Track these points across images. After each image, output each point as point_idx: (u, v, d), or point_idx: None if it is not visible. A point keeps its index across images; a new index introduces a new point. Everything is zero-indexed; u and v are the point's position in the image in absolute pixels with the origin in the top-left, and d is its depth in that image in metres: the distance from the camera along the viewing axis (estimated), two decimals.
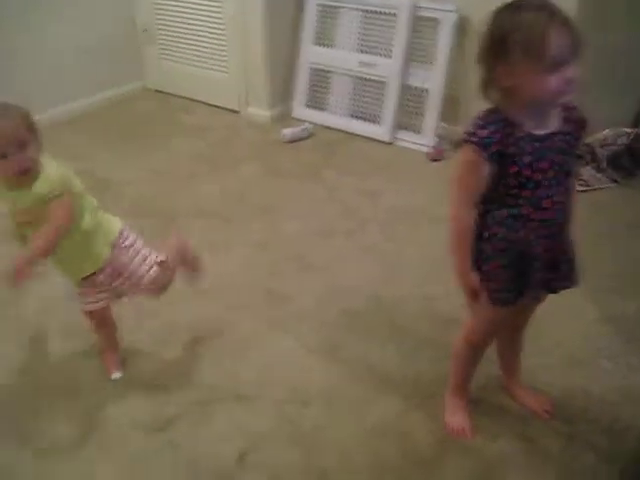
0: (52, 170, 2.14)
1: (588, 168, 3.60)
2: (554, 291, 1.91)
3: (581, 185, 3.44)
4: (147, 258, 2.30)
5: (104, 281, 2.26)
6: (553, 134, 1.67)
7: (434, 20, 3.87)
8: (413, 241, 3.13)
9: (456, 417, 2.17)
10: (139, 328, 2.64)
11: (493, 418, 2.20)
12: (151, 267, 2.29)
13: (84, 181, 3.68)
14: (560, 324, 2.54)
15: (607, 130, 3.66)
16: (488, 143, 1.64)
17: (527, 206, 1.72)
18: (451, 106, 3.97)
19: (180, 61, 4.83)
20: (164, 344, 2.57)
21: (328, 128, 4.28)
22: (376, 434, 2.15)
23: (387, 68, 4.05)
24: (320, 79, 4.38)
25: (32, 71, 4.35)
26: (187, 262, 2.52)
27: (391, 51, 4.03)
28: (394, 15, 3.97)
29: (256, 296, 2.81)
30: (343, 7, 4.19)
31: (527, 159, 1.65)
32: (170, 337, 2.61)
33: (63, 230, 2.11)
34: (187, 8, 4.59)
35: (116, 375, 2.44)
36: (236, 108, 4.58)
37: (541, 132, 1.66)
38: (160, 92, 5.00)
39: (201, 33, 4.60)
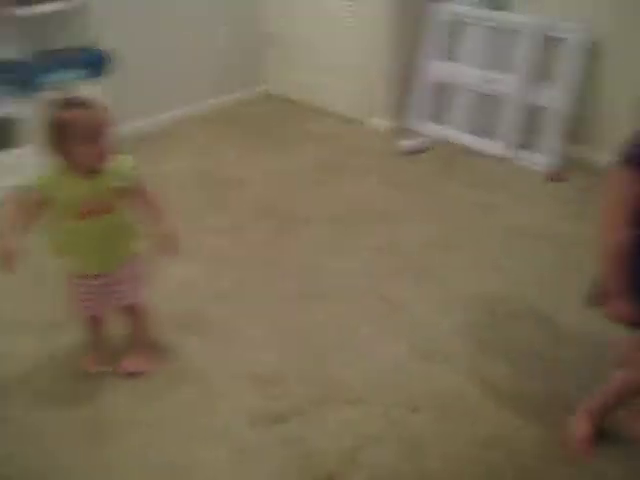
0: (124, 161, 2.28)
1: None
2: None
3: None
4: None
5: (122, 278, 2.36)
6: None
7: (561, 39, 3.85)
8: (528, 258, 3.12)
9: (584, 434, 2.12)
10: (260, 324, 2.73)
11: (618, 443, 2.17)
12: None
13: (209, 178, 3.86)
14: None
15: None
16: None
17: None
18: (574, 127, 3.93)
19: (306, 69, 4.93)
20: (283, 339, 2.65)
21: (447, 142, 4.30)
22: (486, 446, 2.16)
23: (510, 85, 4.04)
24: (442, 93, 4.40)
25: (164, 70, 4.55)
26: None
27: (515, 68, 4.02)
28: (521, 33, 3.96)
29: (373, 301, 2.86)
30: (469, 23, 4.21)
31: None
32: (290, 336, 2.68)
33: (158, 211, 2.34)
34: (317, 18, 4.69)
35: (97, 369, 2.52)
36: (360, 118, 4.64)
37: None
38: (285, 98, 5.11)
39: (329, 43, 4.68)
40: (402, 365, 2.51)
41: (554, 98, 3.91)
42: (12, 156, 3.69)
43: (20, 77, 3.66)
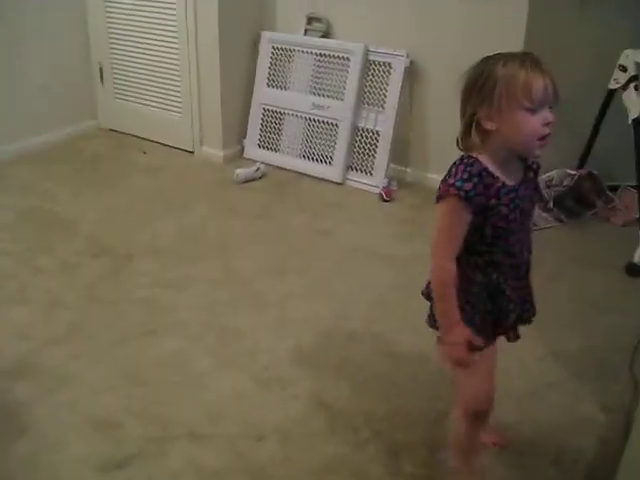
0: None
1: (535, 208, 3.70)
2: (526, 322, 1.91)
3: None
4: None
5: None
6: (520, 184, 1.73)
7: (386, 64, 3.98)
8: (364, 279, 3.18)
9: None
10: (96, 366, 2.64)
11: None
12: None
13: (36, 218, 3.72)
14: (509, 359, 2.60)
15: (554, 171, 3.78)
16: (471, 196, 1.66)
17: (499, 253, 1.76)
18: (401, 148, 4.07)
19: (135, 101, 4.87)
20: (121, 379, 2.57)
21: (280, 168, 4.35)
22: (331, 469, 2.17)
23: (339, 110, 4.14)
24: (273, 120, 4.45)
25: None
26: None
27: (343, 94, 4.12)
28: (347, 59, 4.07)
29: (210, 333, 2.83)
30: (297, 50, 4.28)
31: (505, 210, 1.70)
32: (127, 373, 2.60)
33: None
34: (142, 48, 4.65)
35: None
36: (190, 148, 4.62)
37: (512, 183, 1.71)
38: (114, 131, 5.02)
39: (156, 73, 4.65)
40: (243, 395, 2.49)
41: (381, 121, 4.03)
42: None
43: None
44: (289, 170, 4.32)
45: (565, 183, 3.78)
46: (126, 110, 4.93)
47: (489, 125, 1.66)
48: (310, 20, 4.30)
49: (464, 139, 1.72)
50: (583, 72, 3.59)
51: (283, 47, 4.35)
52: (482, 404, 1.93)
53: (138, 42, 4.66)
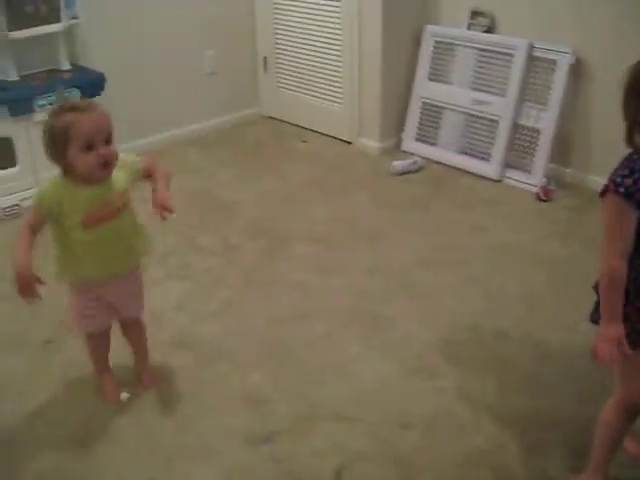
0: (124, 155, 2.20)
1: None
2: None
3: None
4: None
5: (128, 289, 2.34)
6: None
7: (550, 61, 3.90)
8: (516, 277, 3.14)
9: None
10: (250, 343, 2.76)
11: None
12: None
13: (200, 199, 3.89)
14: None
15: None
16: (632, 192, 1.63)
17: None
18: (562, 148, 3.98)
19: (296, 90, 4.98)
20: (273, 358, 2.67)
21: (437, 163, 4.34)
22: (473, 463, 2.18)
23: (500, 106, 4.09)
24: (432, 114, 4.44)
25: (156, 92, 4.61)
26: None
27: (505, 90, 4.06)
28: (510, 55, 4.01)
29: (361, 320, 2.89)
30: (460, 44, 4.26)
31: None
32: (275, 353, 2.70)
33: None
34: (306, 40, 4.75)
35: (125, 395, 2.48)
36: (348, 139, 4.68)
37: None
38: (274, 119, 5.16)
39: (318, 64, 4.74)
40: (390, 382, 2.53)
41: (543, 119, 3.95)
42: (7, 175, 3.72)
43: (14, 98, 3.69)
44: (446, 165, 4.31)
45: None
46: (287, 99, 5.06)
47: None
48: (474, 14, 4.26)
49: (629, 139, 1.68)
50: None
51: (446, 41, 4.33)
52: (636, 399, 1.89)
53: (302, 33, 4.76)
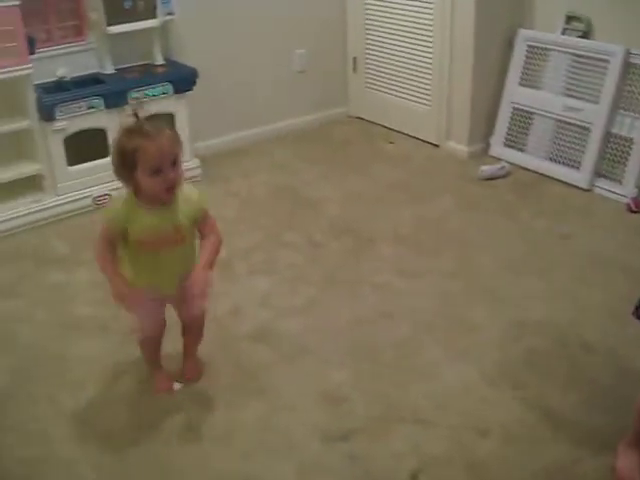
0: (191, 189, 2.26)
1: None
2: None
3: None
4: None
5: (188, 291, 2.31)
6: None
7: None
8: (603, 289, 3.08)
9: (628, 468, 2.11)
10: (331, 341, 2.79)
11: None
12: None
13: (287, 195, 3.95)
14: None
15: None
16: None
17: None
18: None
19: (385, 91, 4.99)
20: (354, 357, 2.69)
21: (525, 169, 4.28)
22: (550, 476, 2.16)
23: (592, 114, 4.01)
24: (522, 120, 4.39)
25: (246, 88, 4.68)
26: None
27: (598, 97, 3.99)
28: (606, 61, 3.93)
29: (443, 323, 2.88)
30: (553, 49, 4.20)
31: None
32: (360, 352, 2.72)
33: (220, 245, 2.30)
34: (396, 41, 4.75)
35: (177, 386, 2.54)
36: (436, 142, 4.67)
37: None
38: (362, 119, 5.18)
39: (408, 66, 4.73)
40: (470, 388, 2.52)
41: (637, 128, 3.86)
42: (99, 166, 3.84)
43: (111, 90, 3.80)
44: (534, 171, 4.25)
45: None
46: (375, 100, 5.07)
47: None
48: (569, 19, 4.19)
49: None
50: None
51: (539, 46, 4.27)
52: None
53: (393, 34, 4.76)
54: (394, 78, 4.88)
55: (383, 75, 4.96)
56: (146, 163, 2.06)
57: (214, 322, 2.80)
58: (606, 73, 3.95)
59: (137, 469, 2.22)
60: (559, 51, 4.17)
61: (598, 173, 4.04)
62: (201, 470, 2.21)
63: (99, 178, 3.84)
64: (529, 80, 4.34)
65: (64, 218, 3.77)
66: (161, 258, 2.23)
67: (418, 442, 2.28)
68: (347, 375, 2.59)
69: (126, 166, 2.09)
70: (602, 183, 4.01)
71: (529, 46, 4.31)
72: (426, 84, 4.63)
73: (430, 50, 4.51)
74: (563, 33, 4.20)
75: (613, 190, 3.95)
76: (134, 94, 3.83)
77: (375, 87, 5.06)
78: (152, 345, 2.49)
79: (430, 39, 4.48)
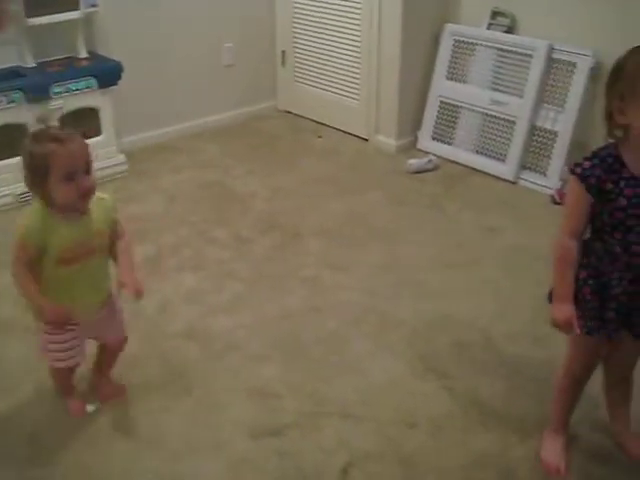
0: (100, 193, 2.15)
1: None
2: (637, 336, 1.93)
3: None
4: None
5: (105, 318, 2.27)
6: None
7: (570, 63, 3.88)
8: (528, 280, 3.12)
9: (552, 454, 2.16)
10: (259, 337, 2.76)
11: (593, 460, 2.19)
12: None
13: (215, 191, 3.90)
14: None
15: None
16: (587, 175, 1.72)
17: (617, 246, 1.78)
18: (579, 151, 3.95)
19: (314, 85, 4.98)
20: (282, 353, 2.68)
21: (453, 162, 4.32)
22: (480, 465, 2.18)
23: (518, 107, 4.07)
24: (449, 113, 4.43)
25: (173, 83, 4.61)
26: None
27: (523, 91, 4.05)
28: (530, 56, 3.99)
29: (371, 317, 2.88)
30: (479, 44, 4.24)
31: (623, 202, 1.71)
32: (288, 347, 2.71)
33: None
34: (325, 34, 4.74)
35: (91, 408, 2.40)
36: (365, 135, 4.67)
37: None
38: (291, 113, 5.15)
39: (336, 59, 4.73)
40: (398, 382, 2.52)
41: (560, 121, 3.93)
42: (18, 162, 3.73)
43: (31, 84, 3.70)
44: (461, 164, 4.29)
45: None
46: (304, 93, 5.05)
47: (621, 119, 1.69)
48: (495, 14, 4.24)
49: (608, 129, 1.78)
50: None
51: (465, 40, 4.31)
52: (575, 370, 2.07)
53: (321, 28, 4.74)
54: (323, 72, 4.87)
55: (312, 69, 4.95)
56: (59, 169, 1.96)
57: (142, 319, 2.77)
58: (530, 68, 4.01)
59: (62, 472, 2.17)
60: (485, 46, 4.22)
61: (523, 165, 4.10)
62: (128, 472, 2.17)
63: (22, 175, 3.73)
64: (456, 74, 4.38)
65: None
66: (82, 272, 2.12)
67: (348, 437, 2.28)
68: (276, 371, 2.58)
69: (38, 174, 1.99)
70: (527, 175, 4.07)
71: (455, 41, 4.34)
72: (355, 78, 4.63)
73: (358, 44, 4.51)
74: (489, 28, 4.25)
75: (538, 182, 4.01)
76: (57, 89, 3.74)
77: (304, 81, 5.04)
78: (65, 374, 2.36)
79: (358, 33, 4.48)
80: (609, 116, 1.74)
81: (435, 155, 4.33)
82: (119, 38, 4.22)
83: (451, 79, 4.39)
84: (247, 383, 2.52)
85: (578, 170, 1.74)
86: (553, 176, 3.95)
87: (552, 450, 2.17)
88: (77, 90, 3.83)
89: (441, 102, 4.44)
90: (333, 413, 2.38)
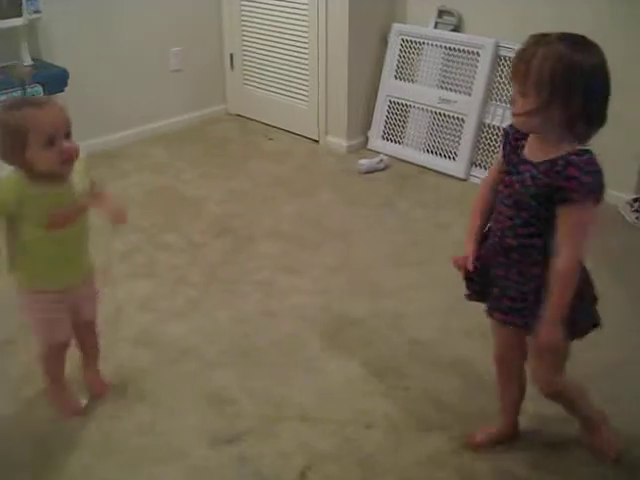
0: (78, 163, 2.06)
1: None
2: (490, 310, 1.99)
3: None
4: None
5: (85, 295, 2.25)
6: (533, 164, 1.77)
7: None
8: None
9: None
10: (214, 342, 2.74)
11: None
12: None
13: (166, 196, 3.86)
14: None
15: None
16: (507, 132, 1.93)
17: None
18: None
19: (263, 87, 4.96)
20: (238, 358, 2.65)
21: (403, 161, 4.34)
22: (435, 464, 2.18)
23: (466, 105, 4.10)
24: (398, 112, 4.44)
25: (120, 89, 4.55)
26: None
27: (471, 89, 4.08)
28: (477, 54, 4.02)
29: (326, 318, 2.87)
30: (426, 43, 4.26)
31: (507, 179, 1.86)
32: (243, 352, 2.68)
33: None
34: (272, 37, 4.73)
35: (84, 402, 2.40)
36: (315, 137, 4.67)
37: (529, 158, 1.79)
38: (241, 116, 5.13)
39: (285, 62, 4.72)
40: (355, 382, 2.52)
41: (509, 118, 3.95)
42: None
43: None
44: (412, 163, 4.31)
45: None
46: (254, 96, 5.03)
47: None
48: (441, 13, 4.27)
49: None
50: None
51: (412, 40, 4.33)
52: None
53: (269, 31, 4.74)
54: (272, 74, 4.85)
55: (261, 72, 4.93)
56: (39, 134, 1.88)
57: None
58: (477, 65, 4.04)
59: None
60: (432, 44, 4.25)
61: (474, 163, 4.13)
62: None
63: None
64: (404, 73, 4.40)
65: None
66: (66, 238, 2.08)
67: (306, 439, 2.27)
68: (232, 376, 2.55)
69: (16, 141, 1.89)
70: (478, 172, 4.10)
71: (403, 40, 4.36)
72: (303, 80, 4.63)
73: (306, 46, 4.51)
74: (436, 27, 4.27)
75: None
76: (0, 97, 3.67)
77: (253, 84, 5.02)
78: (56, 358, 2.28)
79: (305, 35, 4.48)
80: None
81: (386, 155, 4.34)
82: (65, 44, 4.16)
83: (400, 78, 4.41)
84: (203, 389, 2.49)
85: (506, 128, 1.89)
86: None
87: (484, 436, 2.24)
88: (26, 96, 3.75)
89: (390, 102, 4.45)
90: (291, 417, 2.36)
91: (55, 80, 3.90)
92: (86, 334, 2.39)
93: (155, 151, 4.54)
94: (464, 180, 4.10)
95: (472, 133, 4.09)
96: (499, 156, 1.93)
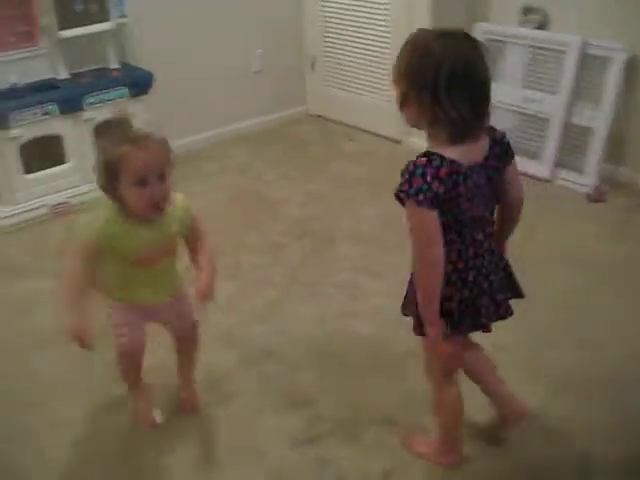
0: (179, 201, 2.09)
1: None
2: None
3: None
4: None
5: (173, 310, 2.24)
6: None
7: (603, 58, 3.82)
8: (561, 280, 3.07)
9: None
10: (296, 344, 2.75)
11: None
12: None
13: (248, 197, 3.90)
14: None
15: None
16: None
17: None
18: (615, 147, 3.89)
19: (343, 88, 4.96)
20: (319, 359, 2.67)
21: None
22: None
23: (551, 105, 4.02)
24: None
25: (203, 90, 4.61)
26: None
27: (557, 88, 4.00)
28: (563, 52, 3.94)
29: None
30: (510, 42, 4.19)
31: None
32: (325, 354, 2.70)
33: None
34: (354, 38, 4.73)
35: (159, 416, 2.36)
36: (397, 137, 4.64)
37: None
38: (321, 117, 5.14)
39: (366, 61, 4.71)
40: None
41: (595, 118, 3.87)
42: (56, 173, 3.77)
43: (65, 96, 3.74)
44: None
45: None
46: (335, 97, 5.04)
47: None
48: (525, 11, 4.19)
49: None
50: None
51: (496, 39, 4.26)
52: None
53: (350, 31, 4.74)
54: (353, 75, 4.85)
55: (341, 72, 4.93)
56: (131, 173, 1.88)
57: None
58: (563, 64, 3.96)
59: None
60: (516, 43, 4.17)
61: (559, 163, 4.04)
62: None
63: (56, 186, 3.78)
64: None
65: (22, 227, 3.69)
66: (156, 271, 2.11)
67: (388, 443, 2.25)
68: (313, 377, 2.56)
69: (109, 176, 1.91)
70: (562, 173, 4.01)
71: (486, 39, 4.29)
72: (385, 79, 4.59)
73: (387, 46, 4.48)
74: (520, 25, 4.20)
75: (574, 180, 3.95)
76: (89, 99, 3.77)
77: (334, 85, 5.03)
78: (132, 363, 2.27)
79: (387, 35, 4.46)
80: None
81: None
82: (150, 47, 4.24)
83: None
84: (285, 390, 2.50)
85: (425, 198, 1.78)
86: (589, 173, 3.88)
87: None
88: (110, 100, 3.85)
89: None
90: (374, 420, 2.35)
91: (140, 83, 4.00)
92: (183, 348, 2.38)
93: (236, 152, 4.59)
94: (548, 181, 4.01)
95: (557, 133, 4.00)
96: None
